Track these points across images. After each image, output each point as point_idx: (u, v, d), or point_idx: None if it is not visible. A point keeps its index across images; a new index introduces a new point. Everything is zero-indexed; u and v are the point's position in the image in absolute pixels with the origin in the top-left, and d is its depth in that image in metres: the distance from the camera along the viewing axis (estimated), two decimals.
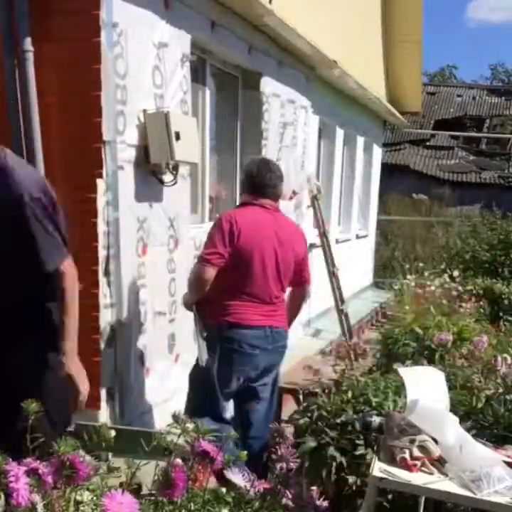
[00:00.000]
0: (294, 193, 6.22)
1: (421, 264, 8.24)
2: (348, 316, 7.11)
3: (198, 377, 3.27)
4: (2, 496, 1.21)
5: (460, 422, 2.28)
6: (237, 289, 3.19)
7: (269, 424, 3.07)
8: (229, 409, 3.37)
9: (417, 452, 2.04)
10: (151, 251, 3.75)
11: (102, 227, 3.35)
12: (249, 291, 3.20)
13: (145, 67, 3.62)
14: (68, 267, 2.19)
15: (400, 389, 2.91)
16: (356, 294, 9.39)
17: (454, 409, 2.86)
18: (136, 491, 1.40)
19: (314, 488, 1.58)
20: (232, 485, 1.51)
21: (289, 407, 4.48)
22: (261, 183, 3.29)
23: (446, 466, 2.02)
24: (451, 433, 2.10)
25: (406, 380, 2.31)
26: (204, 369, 3.17)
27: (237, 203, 3.34)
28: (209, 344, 3.20)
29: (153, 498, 1.41)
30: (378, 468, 2.02)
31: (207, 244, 3.21)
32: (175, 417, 1.49)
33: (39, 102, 3.20)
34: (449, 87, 26.21)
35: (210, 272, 3.13)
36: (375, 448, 2.39)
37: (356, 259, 9.48)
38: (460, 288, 6.45)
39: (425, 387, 2.26)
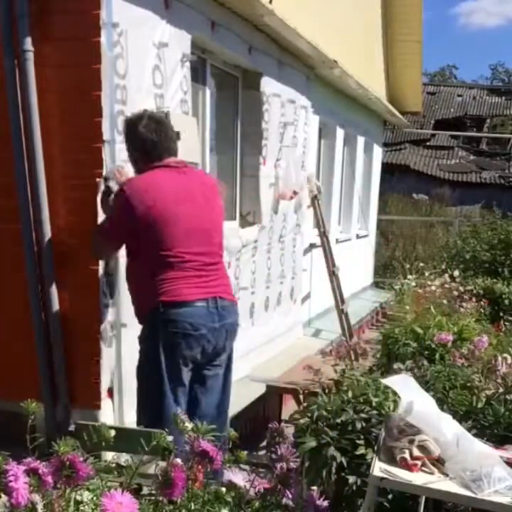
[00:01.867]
0: (295, 192, 6.22)
1: (421, 264, 8.25)
2: (348, 316, 7.11)
3: (145, 372, 2.89)
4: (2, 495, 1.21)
5: (460, 422, 2.29)
6: (161, 261, 2.79)
7: (222, 421, 2.95)
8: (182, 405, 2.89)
9: (417, 452, 2.03)
10: None
11: None
12: (175, 259, 2.79)
13: (145, 67, 3.62)
14: None
15: None
16: (356, 294, 9.39)
17: (454, 409, 2.87)
18: (136, 491, 1.40)
19: (314, 488, 1.57)
20: (232, 485, 1.50)
21: (289, 407, 4.49)
22: (156, 145, 2.92)
23: (446, 465, 2.02)
24: (448, 429, 2.11)
25: (394, 387, 2.34)
26: (150, 363, 2.82)
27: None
28: (149, 334, 2.84)
29: (153, 498, 1.40)
30: (379, 468, 2.02)
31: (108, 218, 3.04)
32: (174, 417, 1.49)
33: (39, 102, 3.20)
34: (449, 87, 26.23)
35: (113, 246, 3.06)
36: (375, 448, 2.39)
37: (356, 259, 9.48)
38: (460, 288, 6.46)
39: (411, 391, 2.27)
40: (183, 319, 2.76)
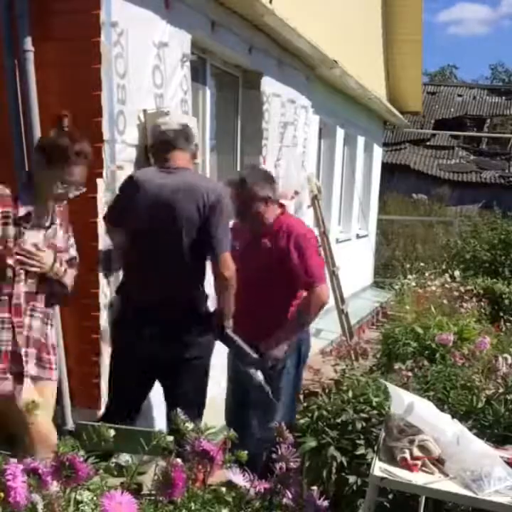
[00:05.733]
0: (296, 192, 6.22)
1: (421, 264, 8.25)
2: (348, 316, 7.11)
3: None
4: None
5: (460, 422, 2.28)
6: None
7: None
8: None
9: (417, 452, 2.03)
10: None
11: (102, 227, 3.34)
12: None
13: (145, 66, 3.62)
14: None
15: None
16: (356, 294, 9.39)
17: (454, 409, 2.87)
18: (136, 490, 1.40)
19: (314, 488, 1.57)
20: (233, 485, 1.50)
21: None
22: None
23: (447, 464, 2.02)
24: (447, 428, 2.11)
25: (393, 389, 2.35)
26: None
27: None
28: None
29: (153, 498, 1.40)
30: (379, 468, 2.01)
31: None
32: (175, 417, 1.49)
33: (39, 102, 3.20)
34: (449, 87, 26.24)
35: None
36: (375, 448, 2.39)
37: (356, 258, 9.48)
38: (461, 288, 6.46)
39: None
40: None
